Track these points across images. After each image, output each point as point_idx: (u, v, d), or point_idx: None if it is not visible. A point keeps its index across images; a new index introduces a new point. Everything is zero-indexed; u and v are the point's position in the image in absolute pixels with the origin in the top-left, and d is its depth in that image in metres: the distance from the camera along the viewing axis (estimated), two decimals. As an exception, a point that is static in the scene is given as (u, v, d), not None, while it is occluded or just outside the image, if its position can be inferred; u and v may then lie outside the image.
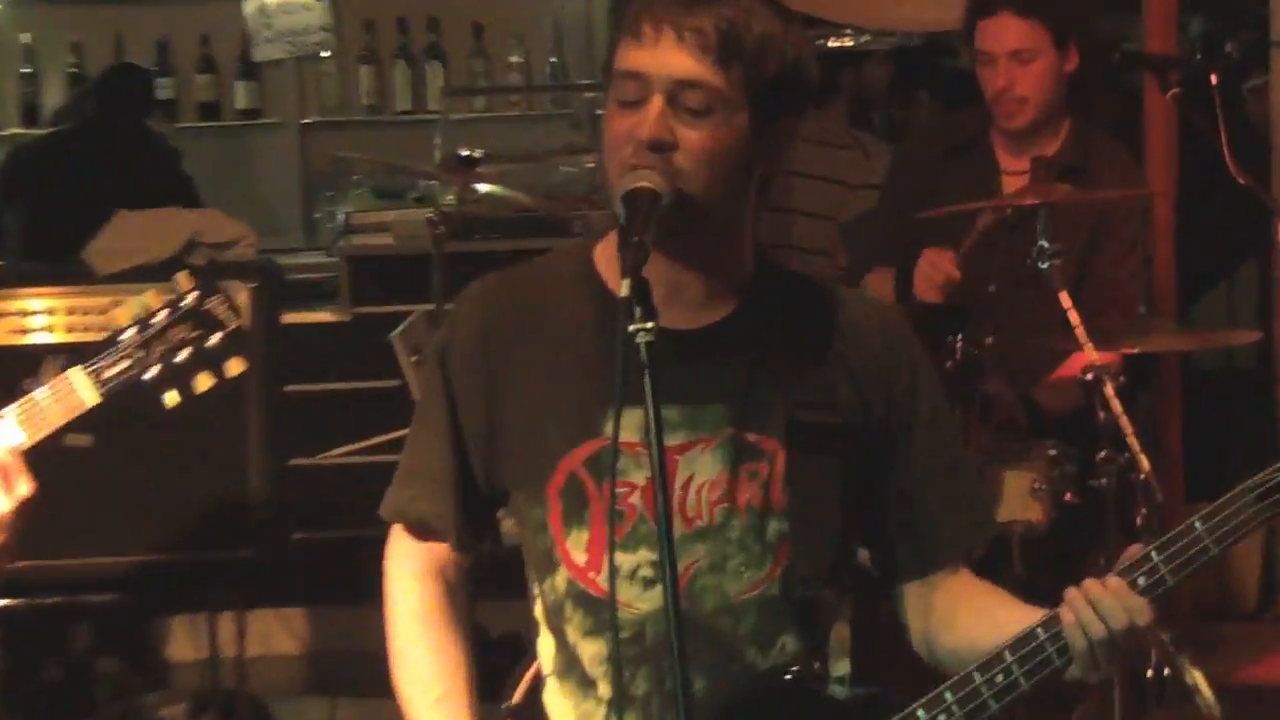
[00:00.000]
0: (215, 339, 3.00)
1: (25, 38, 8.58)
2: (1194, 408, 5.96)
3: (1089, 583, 2.55)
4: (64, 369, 3.02)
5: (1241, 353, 7.34)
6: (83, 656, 6.67)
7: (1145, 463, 4.41)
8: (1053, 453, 4.59)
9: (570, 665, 2.74)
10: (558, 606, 2.75)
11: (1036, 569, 4.56)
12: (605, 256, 2.73)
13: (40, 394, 3.04)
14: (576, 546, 2.72)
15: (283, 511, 5.08)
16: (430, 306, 5.46)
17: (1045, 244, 4.48)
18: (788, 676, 2.68)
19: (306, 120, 8.74)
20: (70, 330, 5.07)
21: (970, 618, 2.76)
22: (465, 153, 5.84)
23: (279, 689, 6.27)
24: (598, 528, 2.70)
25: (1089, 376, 4.48)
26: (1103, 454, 4.54)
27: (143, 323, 2.99)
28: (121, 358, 3.00)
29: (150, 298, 2.99)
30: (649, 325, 2.35)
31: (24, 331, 5.07)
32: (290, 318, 5.81)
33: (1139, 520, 4.45)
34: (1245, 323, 7.33)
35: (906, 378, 2.79)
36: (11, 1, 8.56)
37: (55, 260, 5.56)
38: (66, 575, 4.64)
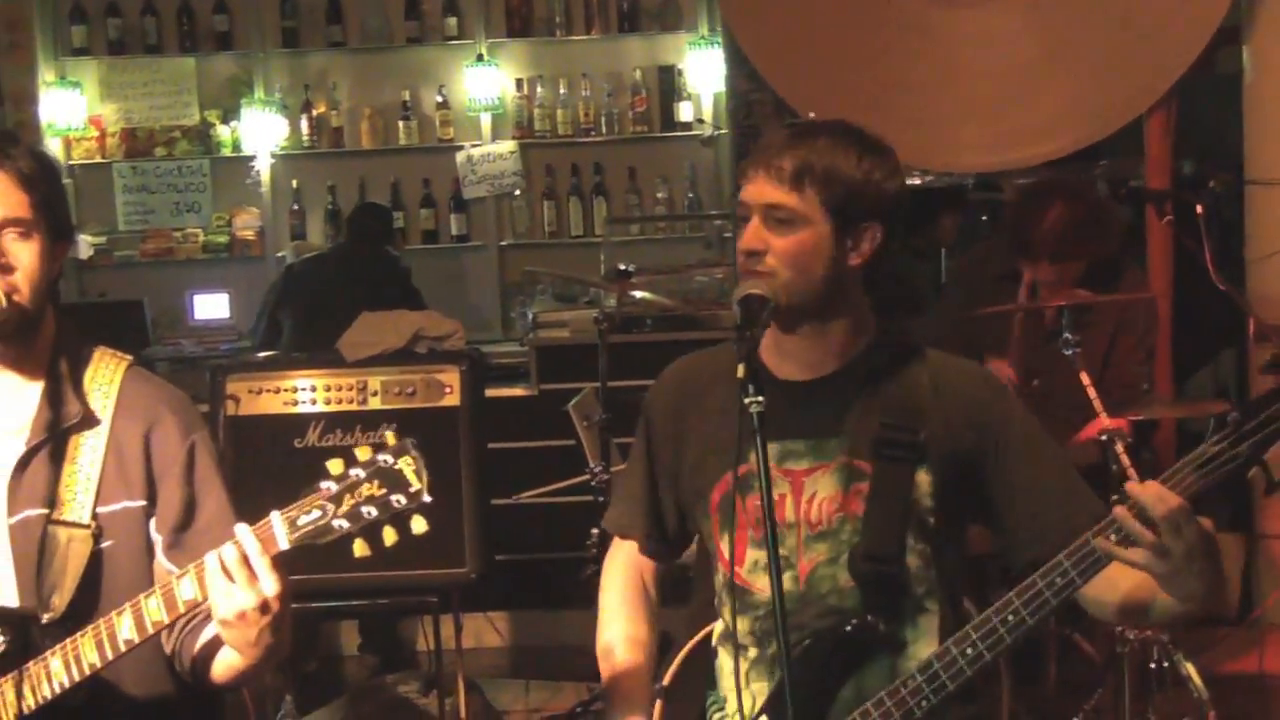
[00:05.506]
0: (401, 498, 2.47)
1: (294, 183, 8.76)
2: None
3: (1129, 485, 2.51)
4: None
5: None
6: (335, 649, 6.77)
7: (1149, 504, 4.37)
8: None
9: (728, 635, 2.83)
10: (719, 594, 2.85)
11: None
12: (765, 344, 2.82)
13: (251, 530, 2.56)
14: (727, 547, 2.80)
15: (489, 538, 5.10)
16: (597, 384, 5.47)
17: (1069, 336, 4.47)
18: (847, 629, 2.72)
19: (504, 243, 8.79)
20: (328, 403, 5.15)
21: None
22: (623, 267, 5.87)
23: (486, 674, 6.29)
24: (740, 532, 2.79)
25: (1104, 437, 4.47)
26: (1114, 497, 4.48)
27: (342, 476, 2.49)
28: (314, 507, 2.49)
29: (361, 451, 2.49)
30: (760, 400, 2.49)
31: (294, 403, 5.15)
32: (491, 393, 5.84)
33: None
34: (1226, 396, 7.24)
35: (997, 411, 2.80)
36: (281, 155, 8.70)
37: (316, 350, 5.62)
38: (331, 586, 4.66)
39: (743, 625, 2.80)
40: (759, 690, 2.76)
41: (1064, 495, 2.80)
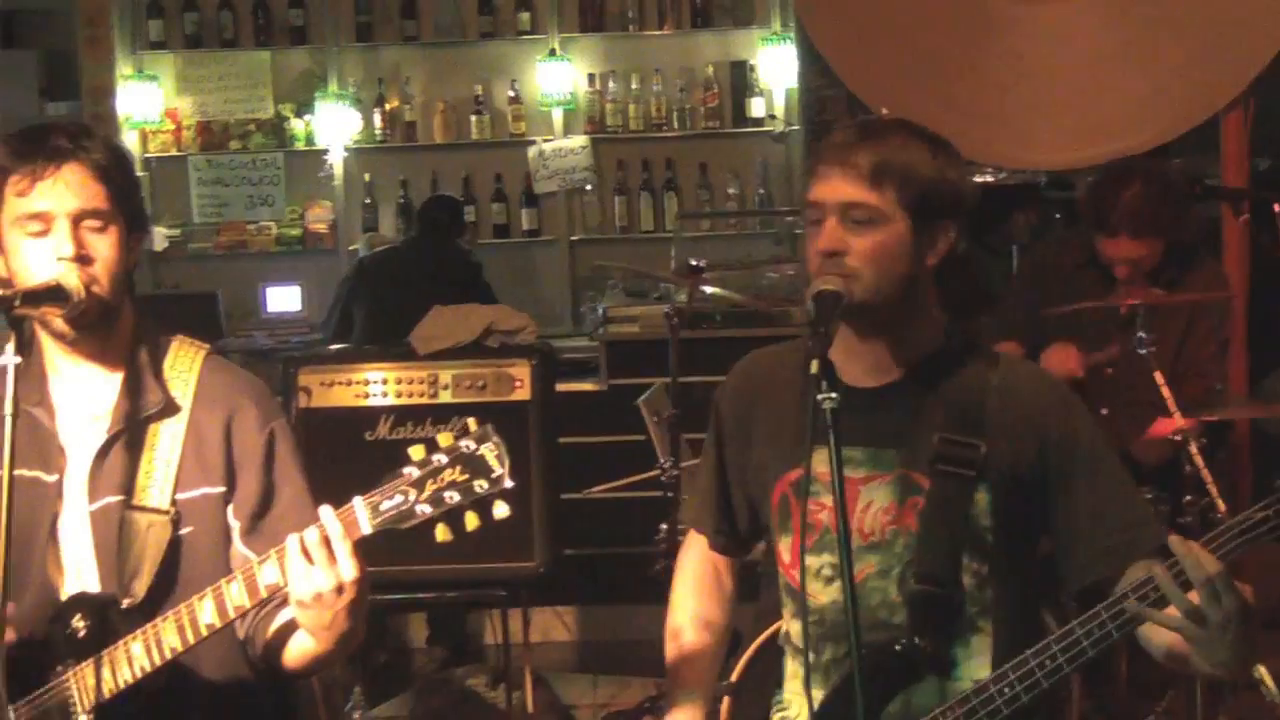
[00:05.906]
0: (483, 483, 2.46)
1: (366, 176, 8.81)
2: (1261, 463, 5.86)
3: (1173, 539, 2.43)
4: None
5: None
6: (404, 642, 6.81)
7: (1222, 505, 4.35)
8: (1148, 497, 4.44)
9: (788, 637, 2.82)
10: (780, 596, 2.83)
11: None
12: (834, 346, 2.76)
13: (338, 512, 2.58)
14: (785, 549, 2.79)
15: (557, 533, 5.12)
16: (667, 379, 5.49)
17: (1143, 334, 4.45)
18: (896, 648, 2.69)
19: (575, 238, 8.80)
20: (399, 396, 5.18)
21: None
22: (694, 262, 5.88)
23: (554, 668, 6.33)
24: (796, 535, 2.75)
25: (1178, 437, 4.44)
26: (1188, 499, 4.48)
27: (425, 462, 2.50)
28: (396, 492, 2.49)
29: (443, 438, 2.49)
30: (833, 395, 2.42)
31: (365, 396, 5.19)
32: (562, 387, 5.84)
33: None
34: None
35: (1064, 426, 2.72)
36: (354, 149, 8.76)
37: (388, 343, 5.65)
38: (401, 578, 4.65)
39: (795, 627, 2.79)
40: (816, 698, 2.72)
41: (1126, 523, 2.72)
